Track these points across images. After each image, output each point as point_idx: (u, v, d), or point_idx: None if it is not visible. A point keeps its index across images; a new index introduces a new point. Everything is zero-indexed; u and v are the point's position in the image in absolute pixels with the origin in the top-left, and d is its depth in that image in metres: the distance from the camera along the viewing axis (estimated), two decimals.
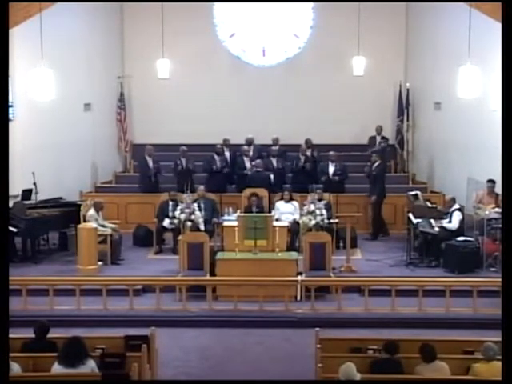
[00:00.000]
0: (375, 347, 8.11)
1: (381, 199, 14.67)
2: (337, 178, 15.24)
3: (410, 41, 17.75)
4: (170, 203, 13.98)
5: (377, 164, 14.86)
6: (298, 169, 15.59)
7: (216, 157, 15.71)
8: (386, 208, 14.96)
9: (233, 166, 15.91)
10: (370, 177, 14.89)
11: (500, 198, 12.85)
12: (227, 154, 16.07)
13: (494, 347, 7.49)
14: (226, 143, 16.21)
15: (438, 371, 7.48)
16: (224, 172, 15.59)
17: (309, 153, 15.91)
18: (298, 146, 16.05)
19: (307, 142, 16.07)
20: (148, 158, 15.59)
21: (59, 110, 15.23)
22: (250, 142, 16.26)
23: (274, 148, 15.93)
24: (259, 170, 15.14)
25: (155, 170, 15.55)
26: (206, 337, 10.54)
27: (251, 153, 15.96)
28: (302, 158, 15.68)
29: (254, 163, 15.38)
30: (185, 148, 15.67)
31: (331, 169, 15.33)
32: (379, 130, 17.00)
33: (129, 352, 8.03)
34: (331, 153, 15.48)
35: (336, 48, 17.12)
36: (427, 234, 12.99)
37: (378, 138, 16.97)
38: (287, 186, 15.07)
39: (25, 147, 14.76)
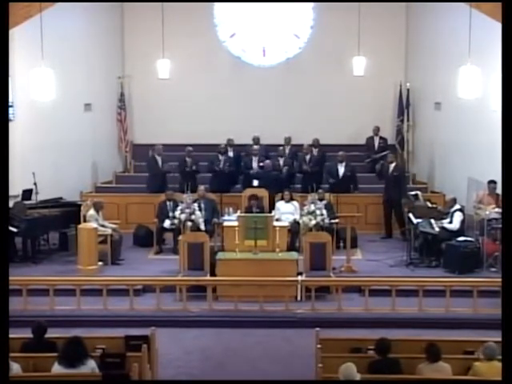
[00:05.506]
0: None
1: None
2: (348, 178, 15.18)
3: (410, 41, 17.73)
4: (168, 203, 14.01)
5: (395, 164, 14.87)
6: (303, 170, 15.57)
7: (220, 157, 15.71)
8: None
9: (237, 166, 15.90)
10: (384, 177, 14.76)
11: (500, 198, 12.85)
12: (231, 153, 16.07)
13: (495, 347, 7.48)
14: (229, 143, 16.22)
15: (439, 372, 7.47)
16: (226, 172, 15.54)
17: (315, 152, 15.91)
18: (299, 145, 16.07)
19: (314, 141, 16.09)
20: (158, 158, 15.63)
21: (59, 109, 15.23)
22: (256, 141, 16.27)
23: (280, 148, 15.88)
24: (268, 169, 15.13)
25: (166, 170, 15.58)
26: (206, 337, 10.54)
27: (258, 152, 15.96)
28: (307, 158, 15.68)
29: (262, 164, 15.36)
30: (190, 148, 15.70)
31: (341, 170, 15.27)
32: (376, 130, 16.97)
33: (129, 352, 8.02)
34: (340, 153, 15.40)
35: (336, 48, 17.09)
36: (427, 234, 12.99)
37: (377, 139, 16.97)
38: (296, 186, 15.04)
39: (25, 147, 14.78)
